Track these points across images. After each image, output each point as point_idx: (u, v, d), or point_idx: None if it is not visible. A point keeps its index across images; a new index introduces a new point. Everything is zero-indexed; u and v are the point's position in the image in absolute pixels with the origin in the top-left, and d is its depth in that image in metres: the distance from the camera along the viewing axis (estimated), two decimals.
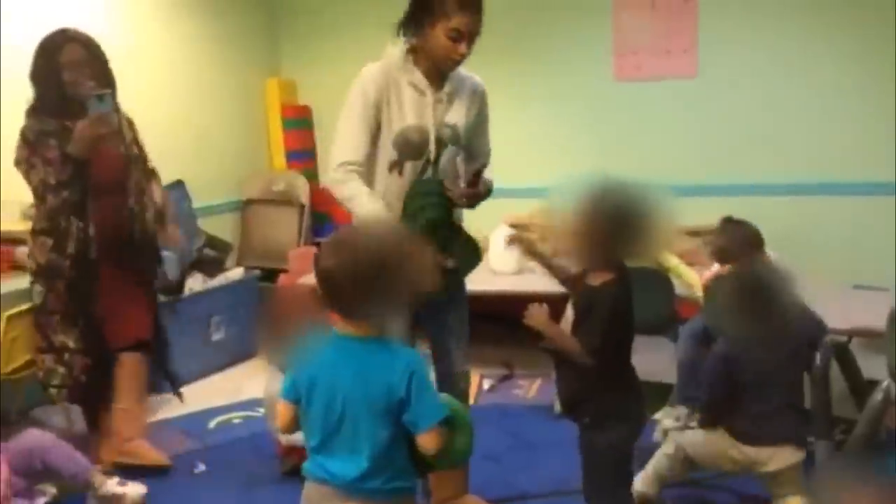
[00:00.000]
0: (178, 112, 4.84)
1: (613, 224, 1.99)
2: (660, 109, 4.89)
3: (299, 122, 5.69)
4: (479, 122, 2.59)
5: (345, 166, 2.37)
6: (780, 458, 2.46)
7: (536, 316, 2.09)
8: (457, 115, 2.49)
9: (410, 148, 2.41)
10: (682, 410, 3.35)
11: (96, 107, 2.85)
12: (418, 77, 2.42)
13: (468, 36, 2.34)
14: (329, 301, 1.75)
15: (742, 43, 4.70)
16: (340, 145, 2.41)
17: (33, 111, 2.99)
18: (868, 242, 4.32)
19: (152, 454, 3.18)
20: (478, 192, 2.47)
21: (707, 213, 4.49)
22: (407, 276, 1.71)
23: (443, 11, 2.31)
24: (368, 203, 2.34)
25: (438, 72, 2.44)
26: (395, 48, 2.44)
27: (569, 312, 2.19)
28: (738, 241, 3.14)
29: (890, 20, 4.30)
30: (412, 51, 2.43)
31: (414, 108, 2.41)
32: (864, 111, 4.50)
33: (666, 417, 3.34)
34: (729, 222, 3.33)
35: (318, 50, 5.62)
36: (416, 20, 2.39)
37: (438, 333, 2.63)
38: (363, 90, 2.39)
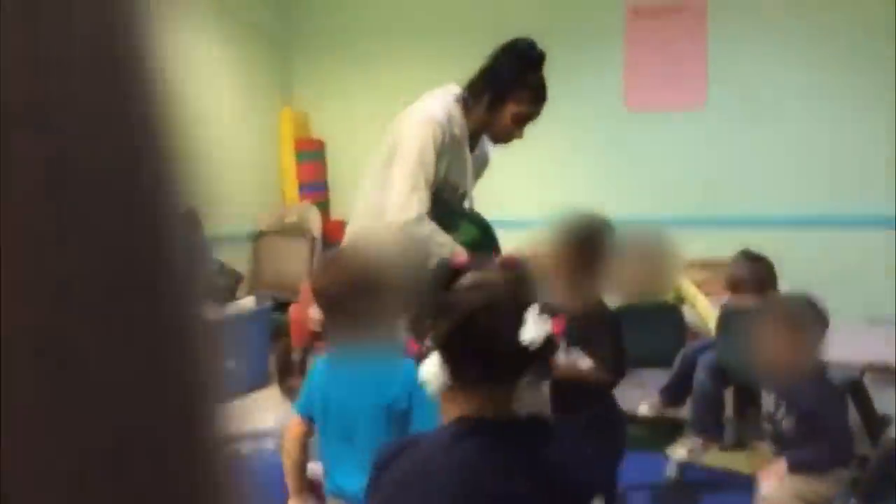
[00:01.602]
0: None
1: (588, 255, 2.07)
2: (670, 139, 4.90)
3: (312, 155, 5.73)
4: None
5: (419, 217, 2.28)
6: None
7: None
8: (473, 177, 2.56)
9: (443, 202, 2.41)
10: (696, 441, 3.32)
11: None
12: (466, 136, 2.41)
13: (529, 122, 2.38)
14: (327, 316, 1.88)
15: (751, 74, 4.72)
16: (414, 194, 2.27)
17: None
18: (881, 275, 4.29)
19: None
20: None
21: (718, 245, 4.51)
22: (396, 290, 1.79)
23: (515, 97, 2.32)
24: (449, 241, 2.29)
25: (479, 135, 2.47)
26: (453, 100, 2.37)
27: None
28: (752, 275, 3.15)
29: None
30: (464, 105, 2.38)
31: (458, 165, 2.43)
32: (877, 143, 4.50)
33: (679, 448, 3.31)
34: (745, 255, 3.34)
35: (331, 84, 5.68)
36: (485, 91, 2.35)
37: None
38: (434, 139, 2.29)
